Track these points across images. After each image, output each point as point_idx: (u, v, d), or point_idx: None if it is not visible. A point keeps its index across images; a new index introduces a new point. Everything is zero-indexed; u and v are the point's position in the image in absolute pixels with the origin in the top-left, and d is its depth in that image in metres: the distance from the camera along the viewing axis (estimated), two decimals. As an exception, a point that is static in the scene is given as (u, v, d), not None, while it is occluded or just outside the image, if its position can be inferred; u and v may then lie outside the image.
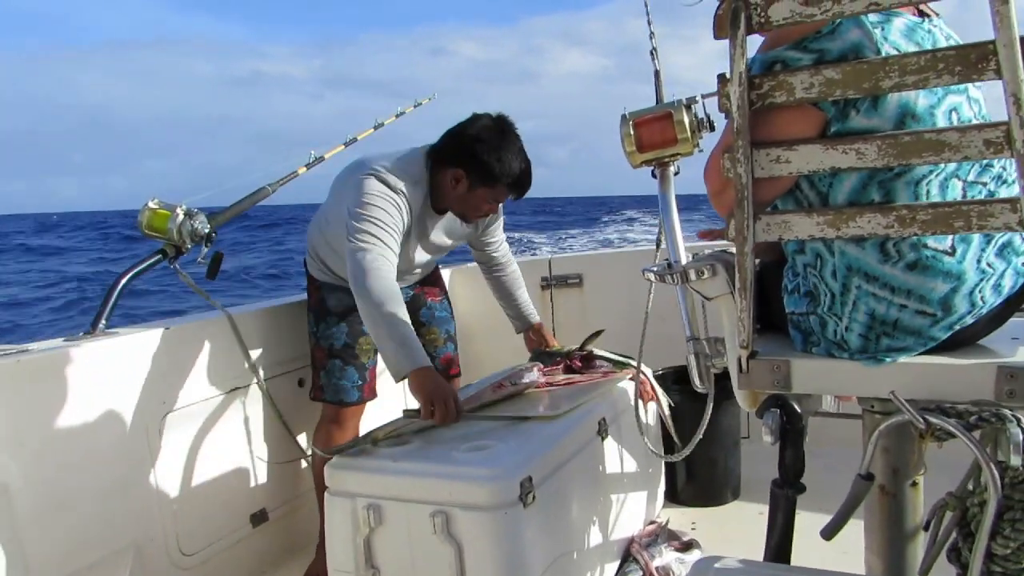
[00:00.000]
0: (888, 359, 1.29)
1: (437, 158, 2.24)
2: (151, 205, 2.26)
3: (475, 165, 2.18)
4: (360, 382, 2.38)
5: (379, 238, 2.06)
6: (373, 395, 2.43)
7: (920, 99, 1.20)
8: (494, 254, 2.62)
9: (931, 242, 1.23)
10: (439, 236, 2.39)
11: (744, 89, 1.17)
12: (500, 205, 2.37)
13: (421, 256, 2.40)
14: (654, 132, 1.64)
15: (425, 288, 2.61)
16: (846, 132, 1.20)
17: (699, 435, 2.10)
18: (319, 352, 2.39)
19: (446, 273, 3.44)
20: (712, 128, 1.64)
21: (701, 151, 1.66)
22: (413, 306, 2.52)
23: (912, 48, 1.22)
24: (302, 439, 2.57)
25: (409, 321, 1.99)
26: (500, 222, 2.58)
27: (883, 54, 1.17)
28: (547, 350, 2.53)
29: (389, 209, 2.11)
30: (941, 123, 1.22)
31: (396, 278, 2.07)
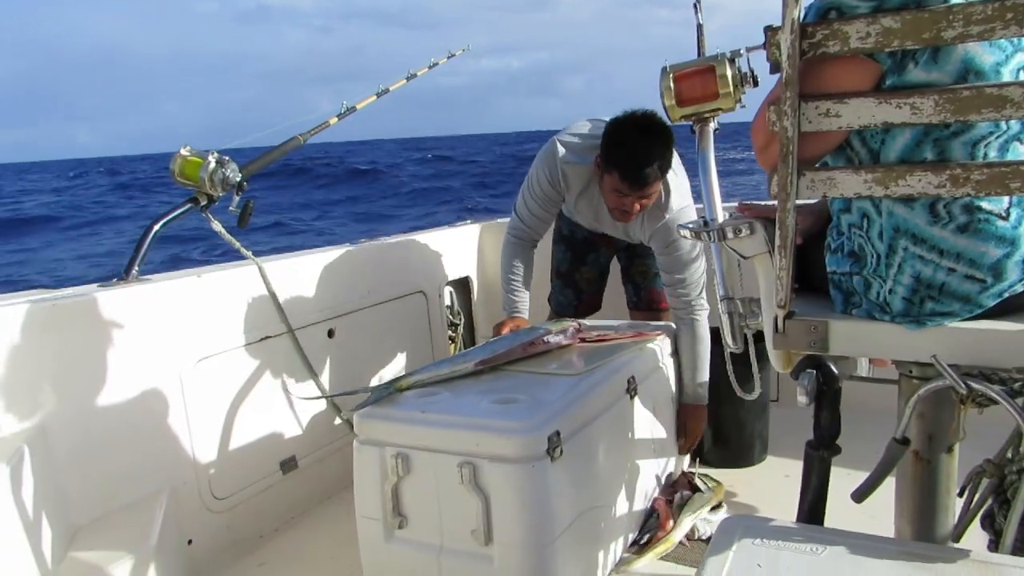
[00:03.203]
0: (931, 323, 1.26)
1: None
2: (183, 153, 2.25)
3: (601, 150, 2.17)
4: (576, 301, 2.76)
5: (521, 204, 2.43)
6: (589, 311, 2.75)
7: (986, 55, 1.14)
8: (668, 291, 2.32)
9: (985, 204, 1.18)
10: (615, 225, 2.40)
11: (796, 38, 1.12)
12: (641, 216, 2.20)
13: (609, 228, 2.47)
14: (695, 86, 1.60)
15: None
16: (902, 86, 1.15)
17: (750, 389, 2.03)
18: (553, 266, 2.78)
19: (475, 228, 3.45)
20: (756, 83, 1.59)
21: (743, 107, 1.61)
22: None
23: None
24: (331, 388, 2.59)
25: (518, 280, 2.44)
26: (672, 258, 2.25)
27: None
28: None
29: (540, 179, 2.35)
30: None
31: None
